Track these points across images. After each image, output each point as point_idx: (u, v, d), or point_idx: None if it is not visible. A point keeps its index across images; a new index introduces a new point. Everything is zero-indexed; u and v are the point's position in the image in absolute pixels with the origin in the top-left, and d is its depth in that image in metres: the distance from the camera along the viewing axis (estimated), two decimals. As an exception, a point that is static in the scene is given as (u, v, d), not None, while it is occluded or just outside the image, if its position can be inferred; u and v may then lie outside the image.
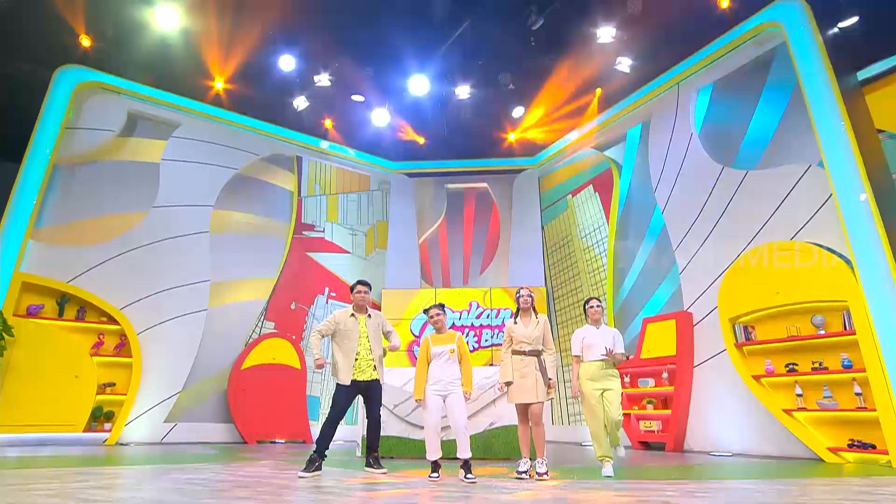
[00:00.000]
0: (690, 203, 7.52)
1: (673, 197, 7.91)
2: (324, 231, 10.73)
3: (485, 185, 11.86)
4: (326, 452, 4.43)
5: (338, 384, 4.59)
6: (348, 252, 10.90)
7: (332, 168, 11.22)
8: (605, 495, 3.39)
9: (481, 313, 10.47)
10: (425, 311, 4.79)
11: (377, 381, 4.68)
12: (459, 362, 4.55)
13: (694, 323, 7.12)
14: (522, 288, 4.66)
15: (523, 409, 4.37)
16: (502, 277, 11.15)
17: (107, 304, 7.59)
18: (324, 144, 10.81)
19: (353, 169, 11.44)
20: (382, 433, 5.78)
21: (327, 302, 10.30)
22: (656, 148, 8.44)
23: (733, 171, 6.94)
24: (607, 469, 4.34)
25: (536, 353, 4.38)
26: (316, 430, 8.34)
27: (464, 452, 4.16)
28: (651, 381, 7.42)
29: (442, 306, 4.72)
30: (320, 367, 4.63)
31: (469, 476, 3.96)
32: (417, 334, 10.31)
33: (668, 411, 7.00)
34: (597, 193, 9.79)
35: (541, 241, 11.03)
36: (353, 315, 4.74)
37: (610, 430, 4.46)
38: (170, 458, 5.52)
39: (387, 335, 4.96)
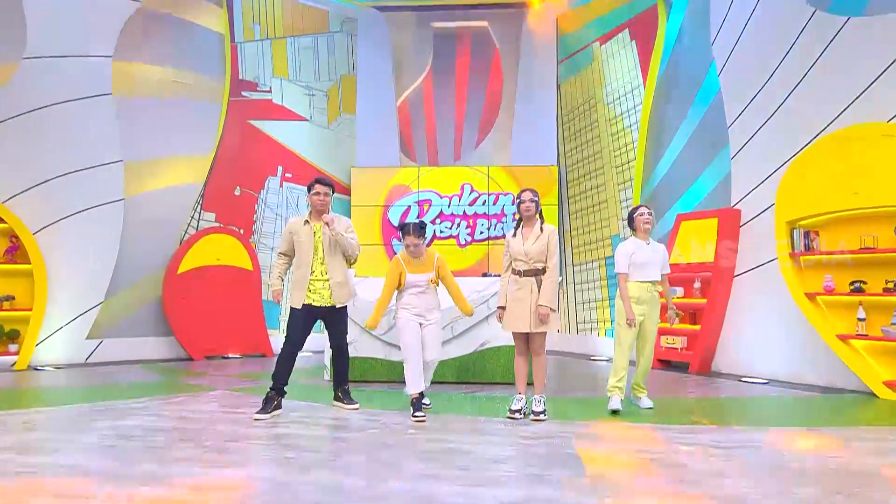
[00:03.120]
0: (760, 62, 6.89)
1: (737, 52, 7.26)
2: (270, 91, 9.98)
3: (484, 23, 10.90)
4: (286, 388, 4.57)
5: (290, 308, 4.61)
6: (305, 119, 10.31)
7: (275, 0, 10.03)
8: (603, 449, 3.52)
9: (475, 199, 10.32)
10: (401, 229, 4.65)
11: (337, 307, 4.68)
12: (444, 285, 4.78)
13: (741, 223, 7.02)
14: (525, 190, 4.56)
15: (521, 339, 4.57)
16: (504, 152, 10.78)
17: (-17, 198, 7.20)
18: (260, -36, 9.52)
19: (304, 0, 10.26)
20: (355, 354, 6.02)
21: (282, 185, 9.96)
22: (722, -22, 7.54)
23: (828, 17, 6.21)
24: (614, 402, 4.63)
25: (536, 273, 4.44)
26: (276, 340, 8.55)
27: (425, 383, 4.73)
28: (679, 291, 7.52)
29: (423, 230, 4.56)
30: (277, 297, 4.69)
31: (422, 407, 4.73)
32: (396, 225, 10.20)
33: (697, 327, 7.20)
34: (633, 42, 9.03)
35: (555, 105, 10.47)
36: (307, 222, 4.65)
37: (643, 366, 4.91)
38: (97, 392, 5.65)
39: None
